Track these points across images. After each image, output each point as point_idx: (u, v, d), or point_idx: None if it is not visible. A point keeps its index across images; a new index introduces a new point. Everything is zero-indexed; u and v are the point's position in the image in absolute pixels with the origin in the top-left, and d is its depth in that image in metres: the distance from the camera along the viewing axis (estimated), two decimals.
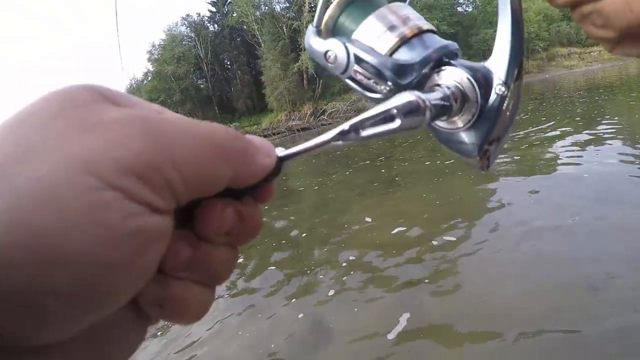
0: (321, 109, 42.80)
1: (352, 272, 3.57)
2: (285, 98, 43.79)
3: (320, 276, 3.67)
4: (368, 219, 4.81)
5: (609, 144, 5.65)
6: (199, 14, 53.83)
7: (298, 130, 39.97)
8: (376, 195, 5.92)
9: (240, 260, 4.57)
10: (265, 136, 40.43)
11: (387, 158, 8.77)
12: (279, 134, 40.93)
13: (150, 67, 50.45)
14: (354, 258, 3.85)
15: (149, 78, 50.03)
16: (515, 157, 6.00)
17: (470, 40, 47.48)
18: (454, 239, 3.63)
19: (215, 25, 54.99)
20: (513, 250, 3.17)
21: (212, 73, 50.90)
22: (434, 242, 3.66)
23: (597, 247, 2.90)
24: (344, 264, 3.76)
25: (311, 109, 42.67)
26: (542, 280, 2.64)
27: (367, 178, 7.32)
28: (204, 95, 51.12)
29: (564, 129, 7.38)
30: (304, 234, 5.01)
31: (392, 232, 4.18)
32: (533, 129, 7.86)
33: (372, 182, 6.84)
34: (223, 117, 48.76)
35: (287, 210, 6.38)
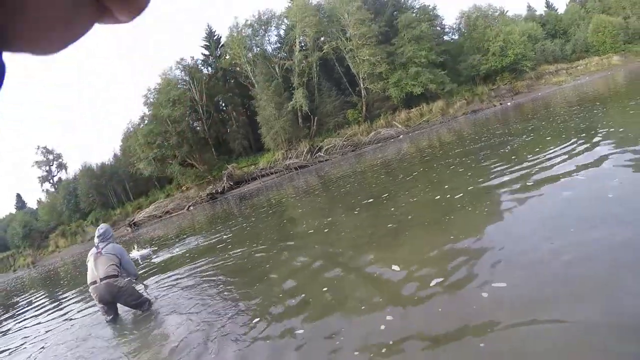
0: (317, 145, 43.03)
1: (399, 346, 2.89)
2: (281, 137, 44.06)
3: (356, 353, 2.99)
4: (396, 268, 4.33)
5: (620, 157, 5.65)
6: (192, 58, 54.79)
7: (296, 168, 40.20)
8: (394, 237, 5.56)
9: (258, 321, 4.23)
10: (262, 176, 40.86)
11: (392, 195, 8.54)
12: (276, 173, 41.16)
13: (146, 110, 50.62)
14: (391, 319, 3.28)
15: (146, 121, 50.11)
16: (529, 182, 5.86)
17: (459, 67, 48.87)
18: (502, 284, 3.24)
19: (209, 68, 56.09)
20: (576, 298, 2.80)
21: (207, 115, 51.22)
22: (484, 295, 3.16)
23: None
24: (382, 328, 3.17)
25: (307, 146, 42.92)
26: None
27: (377, 217, 7.09)
28: (201, 137, 51.57)
29: (572, 146, 7.29)
30: (325, 289, 4.48)
31: (431, 285, 3.63)
32: (542, 150, 7.77)
33: (383, 221, 6.53)
34: (220, 159, 49.15)
35: (299, 260, 6.00)
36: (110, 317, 5.93)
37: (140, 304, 5.92)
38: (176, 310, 5.45)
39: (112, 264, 5.86)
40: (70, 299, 10.23)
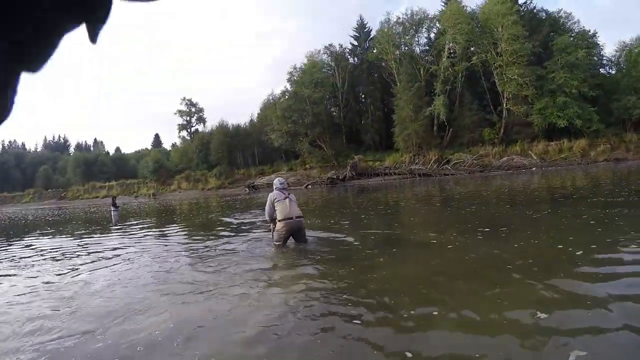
0: (446, 157, 42.72)
1: None
2: (413, 140, 44.43)
3: None
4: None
5: None
6: (341, 45, 56.65)
7: (419, 175, 40.23)
8: (503, 283, 4.79)
9: None
10: (385, 174, 41.37)
11: (512, 230, 8.28)
12: (400, 174, 41.45)
13: (288, 87, 54.97)
14: None
15: (286, 96, 54.13)
16: None
17: (611, 106, 42.53)
18: None
19: (355, 59, 58.01)
20: None
21: (345, 103, 52.85)
22: None
23: None
24: None
25: (436, 155, 42.81)
26: None
27: (495, 249, 6.61)
28: (335, 122, 53.76)
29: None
30: (412, 312, 4.06)
31: None
32: None
33: (497, 259, 6.10)
34: (349, 147, 50.67)
35: (405, 267, 5.85)
36: (283, 246, 8.05)
37: (305, 240, 8.30)
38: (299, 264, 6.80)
39: (299, 208, 8.23)
40: (179, 230, 12.81)
